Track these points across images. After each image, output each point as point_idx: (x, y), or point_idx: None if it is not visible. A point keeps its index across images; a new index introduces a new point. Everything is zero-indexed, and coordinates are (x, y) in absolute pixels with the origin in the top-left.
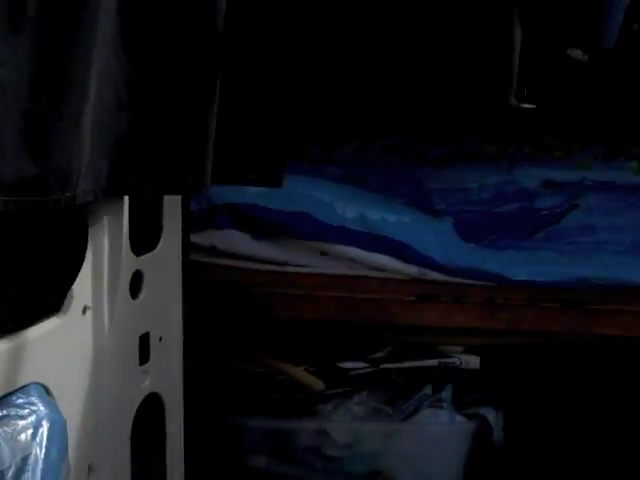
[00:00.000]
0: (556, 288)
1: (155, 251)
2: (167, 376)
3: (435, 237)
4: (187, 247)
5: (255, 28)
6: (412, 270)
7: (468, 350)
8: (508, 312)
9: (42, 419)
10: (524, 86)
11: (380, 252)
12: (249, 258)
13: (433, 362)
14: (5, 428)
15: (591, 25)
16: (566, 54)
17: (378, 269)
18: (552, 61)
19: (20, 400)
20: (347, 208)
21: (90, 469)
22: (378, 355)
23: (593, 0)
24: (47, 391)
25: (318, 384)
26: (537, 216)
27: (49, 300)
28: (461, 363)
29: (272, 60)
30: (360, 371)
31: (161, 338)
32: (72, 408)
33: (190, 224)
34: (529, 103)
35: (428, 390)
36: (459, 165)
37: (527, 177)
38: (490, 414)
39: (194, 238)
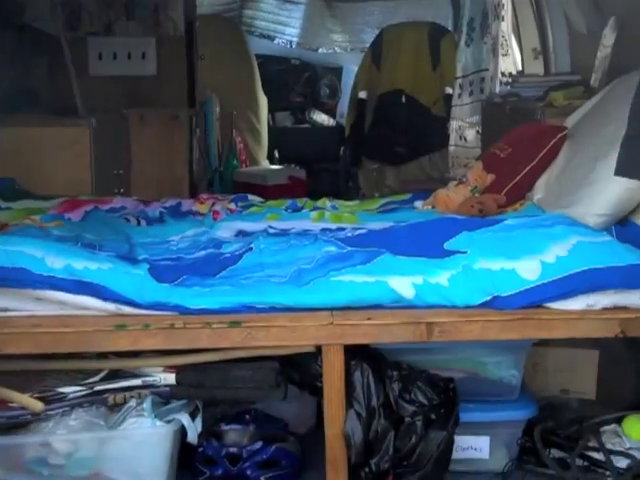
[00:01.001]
0: (225, 313)
1: None
2: None
3: (130, 280)
4: None
5: None
6: (110, 307)
7: (166, 369)
8: (186, 335)
9: None
10: (274, 149)
11: (83, 294)
12: None
13: (137, 381)
14: None
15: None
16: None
17: (82, 308)
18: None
19: None
20: (55, 261)
21: None
22: (93, 379)
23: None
24: None
25: (38, 406)
26: (221, 259)
27: None
28: (160, 380)
29: None
30: (77, 393)
31: None
32: None
33: None
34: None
35: (132, 403)
36: (171, 222)
37: (224, 229)
38: (184, 419)
39: None
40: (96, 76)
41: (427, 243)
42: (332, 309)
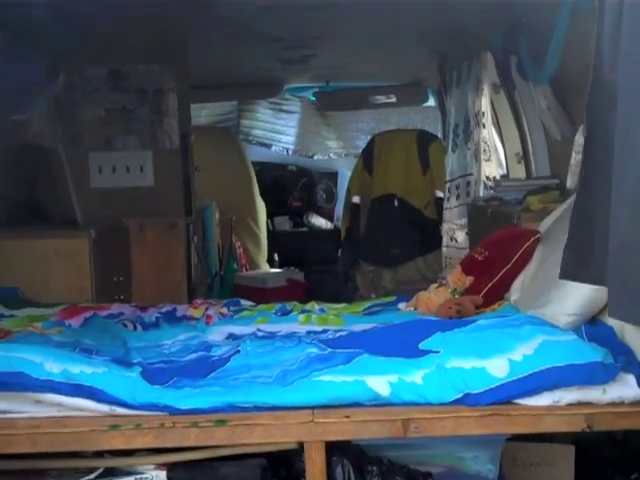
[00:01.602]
0: (212, 412)
1: None
2: None
3: (123, 382)
4: None
5: None
6: (104, 408)
7: (158, 467)
8: (175, 434)
9: None
10: (274, 252)
11: (79, 397)
12: None
13: (130, 479)
14: None
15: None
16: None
17: (79, 409)
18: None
19: None
20: (54, 366)
21: None
22: (89, 477)
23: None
24: None
25: None
26: (210, 362)
27: None
28: (152, 477)
29: None
30: None
31: None
32: None
33: None
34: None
35: None
36: (165, 327)
37: (215, 333)
38: None
39: None
40: (97, 188)
41: (403, 344)
42: (313, 407)
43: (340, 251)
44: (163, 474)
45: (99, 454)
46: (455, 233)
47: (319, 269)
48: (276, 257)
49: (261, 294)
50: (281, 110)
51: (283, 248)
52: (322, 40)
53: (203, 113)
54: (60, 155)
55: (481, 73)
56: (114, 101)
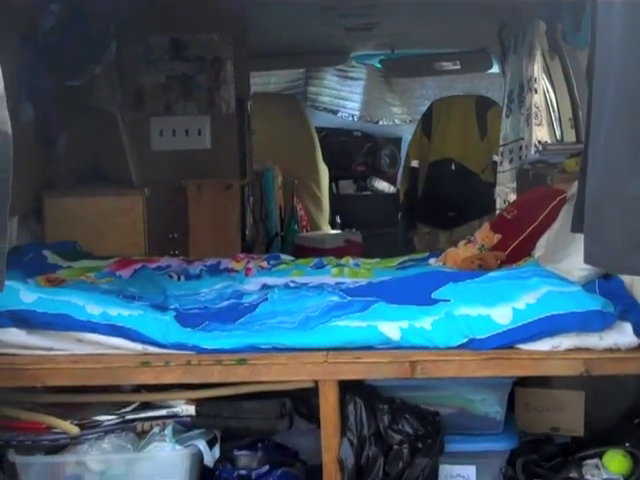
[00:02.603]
0: (234, 352)
1: None
2: None
3: (157, 324)
4: None
5: None
6: (137, 347)
7: (188, 402)
8: (200, 371)
9: None
10: (336, 215)
11: (115, 336)
12: (25, 347)
13: (162, 412)
14: None
15: None
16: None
17: (115, 348)
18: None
19: None
20: (94, 308)
21: None
22: (125, 410)
23: None
24: None
25: (74, 430)
26: (241, 308)
27: None
28: (182, 411)
29: None
30: (111, 422)
31: None
32: None
33: None
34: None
35: (156, 430)
36: (206, 278)
37: (252, 284)
38: (201, 444)
39: None
40: (157, 151)
41: (417, 293)
42: (328, 349)
43: (400, 214)
44: (192, 408)
45: (137, 390)
46: (508, 196)
47: (379, 232)
48: (338, 219)
49: (319, 254)
50: (347, 77)
51: (346, 211)
52: (379, 9)
53: (272, 80)
54: (119, 119)
55: (534, 39)
56: (174, 68)
